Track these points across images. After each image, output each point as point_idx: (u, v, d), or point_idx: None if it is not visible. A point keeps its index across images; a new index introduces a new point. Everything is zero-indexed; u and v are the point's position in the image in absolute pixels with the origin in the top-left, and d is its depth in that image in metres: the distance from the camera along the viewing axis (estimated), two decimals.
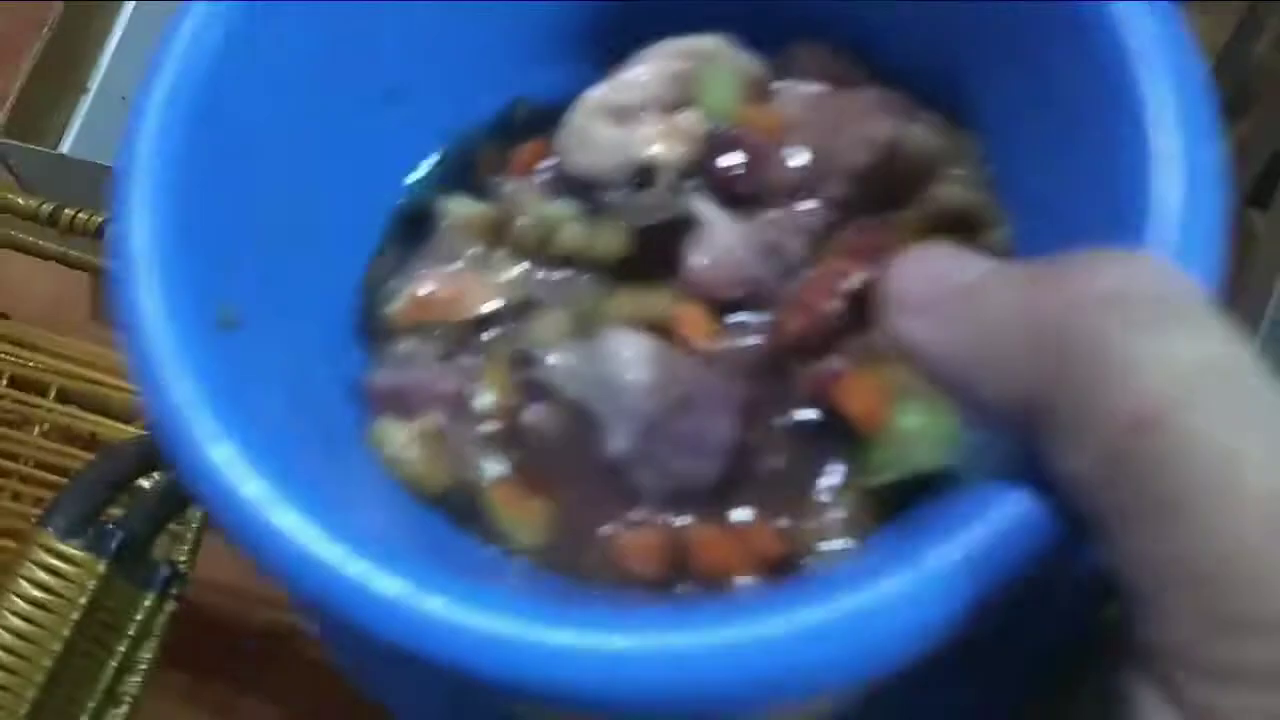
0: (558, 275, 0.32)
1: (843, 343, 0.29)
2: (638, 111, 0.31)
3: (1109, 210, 0.24)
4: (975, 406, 0.20)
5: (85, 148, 1.01)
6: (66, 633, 0.57)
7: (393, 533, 0.25)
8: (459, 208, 0.32)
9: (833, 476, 0.28)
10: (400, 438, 0.28)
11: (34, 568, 0.56)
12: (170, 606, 0.65)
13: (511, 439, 0.28)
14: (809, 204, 0.30)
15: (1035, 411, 0.19)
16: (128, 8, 1.01)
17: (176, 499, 0.63)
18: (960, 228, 0.30)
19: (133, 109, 0.25)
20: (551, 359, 0.29)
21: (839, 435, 0.29)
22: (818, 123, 0.30)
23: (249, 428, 0.22)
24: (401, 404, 0.28)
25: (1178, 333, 0.17)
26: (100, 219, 0.72)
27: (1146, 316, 0.17)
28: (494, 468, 0.28)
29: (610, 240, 0.31)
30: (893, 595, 0.19)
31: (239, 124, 0.27)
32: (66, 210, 0.72)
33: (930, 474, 0.27)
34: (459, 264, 0.32)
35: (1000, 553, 0.20)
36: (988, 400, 0.20)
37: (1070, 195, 0.27)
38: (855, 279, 0.29)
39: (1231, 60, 1.08)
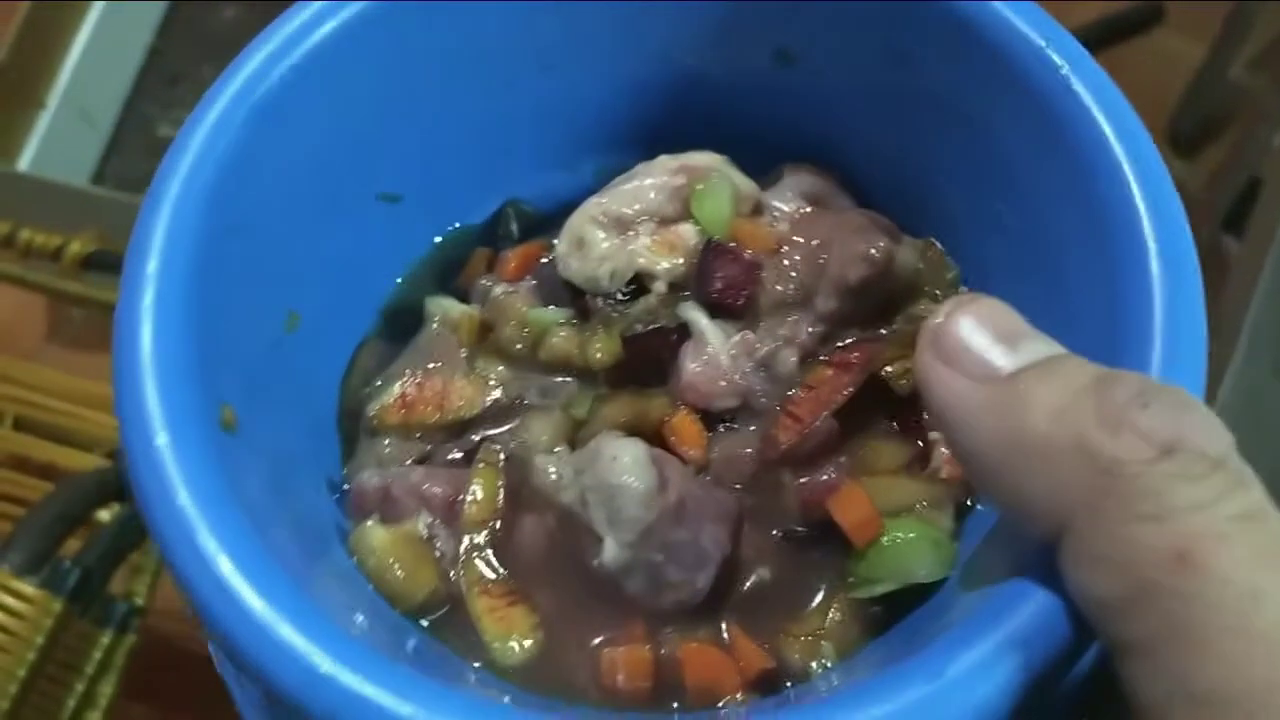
0: (544, 380, 0.32)
1: (833, 455, 0.29)
2: (634, 222, 0.32)
3: (1103, 335, 0.25)
4: (994, 498, 0.21)
5: (43, 165, 0.97)
6: (23, 673, 0.54)
7: (382, 641, 0.24)
8: (448, 309, 0.32)
9: (820, 589, 0.28)
10: (384, 543, 0.27)
11: None
12: (129, 641, 0.62)
13: (498, 547, 0.28)
14: (799, 317, 0.31)
15: (1064, 529, 0.19)
16: (87, 24, 1.00)
17: (136, 532, 0.60)
18: None
19: (145, 207, 0.25)
20: (543, 464, 0.29)
21: (827, 547, 0.29)
22: (809, 239, 0.31)
23: (250, 535, 0.21)
24: (389, 507, 0.28)
25: (1220, 485, 0.18)
26: (59, 241, 0.69)
27: (1196, 470, 0.18)
28: (479, 577, 0.27)
29: (601, 347, 0.31)
30: (916, 704, 0.19)
31: (244, 221, 0.27)
32: (24, 231, 0.69)
33: (916, 589, 0.27)
34: (445, 365, 0.31)
35: (1023, 655, 0.20)
36: (1013, 502, 0.20)
37: (1050, 320, 0.28)
38: (845, 394, 0.29)
39: (1207, 83, 1.05)
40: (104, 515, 0.62)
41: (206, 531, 0.21)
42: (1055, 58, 0.27)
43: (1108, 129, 0.27)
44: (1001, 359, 0.21)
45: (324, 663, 0.20)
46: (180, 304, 0.24)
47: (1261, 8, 0.97)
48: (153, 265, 0.24)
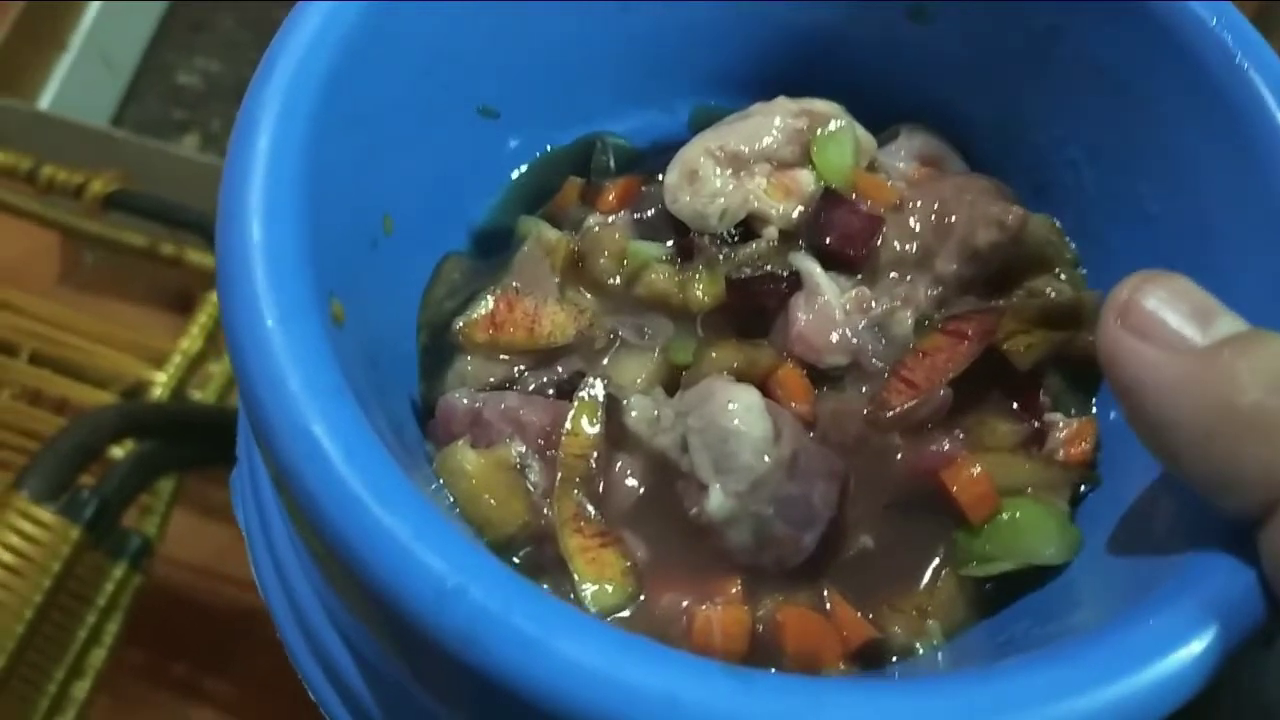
0: (637, 318, 0.30)
1: (946, 426, 0.28)
2: (750, 162, 0.30)
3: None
4: (1192, 471, 0.19)
5: (62, 107, 0.97)
6: (39, 599, 0.53)
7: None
8: (543, 231, 0.30)
9: (927, 562, 0.27)
10: (477, 467, 0.25)
11: (6, 531, 0.53)
12: (137, 580, 0.60)
13: (593, 486, 0.26)
14: (916, 278, 0.29)
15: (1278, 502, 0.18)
16: None
17: (149, 469, 0.60)
18: (1063, 322, 0.29)
19: (256, 79, 0.23)
20: (640, 404, 0.27)
21: (935, 519, 0.27)
22: (932, 199, 0.29)
23: (364, 430, 0.19)
24: (480, 430, 0.26)
25: None
26: (80, 178, 0.68)
27: None
28: (573, 514, 0.25)
29: (703, 288, 0.29)
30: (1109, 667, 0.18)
31: (356, 111, 0.24)
32: (46, 168, 0.68)
33: (1027, 571, 0.26)
34: (536, 288, 0.29)
35: (1216, 628, 0.19)
36: (1217, 474, 0.19)
37: None
38: (964, 363, 0.28)
39: None
40: (117, 452, 0.60)
41: (320, 420, 0.19)
42: (1228, 39, 0.26)
43: None
44: (1196, 333, 0.20)
45: (451, 575, 0.18)
46: (292, 186, 0.22)
47: None
48: (264, 141, 0.22)
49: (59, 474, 0.54)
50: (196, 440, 0.64)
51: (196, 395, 0.69)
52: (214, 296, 0.69)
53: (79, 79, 0.98)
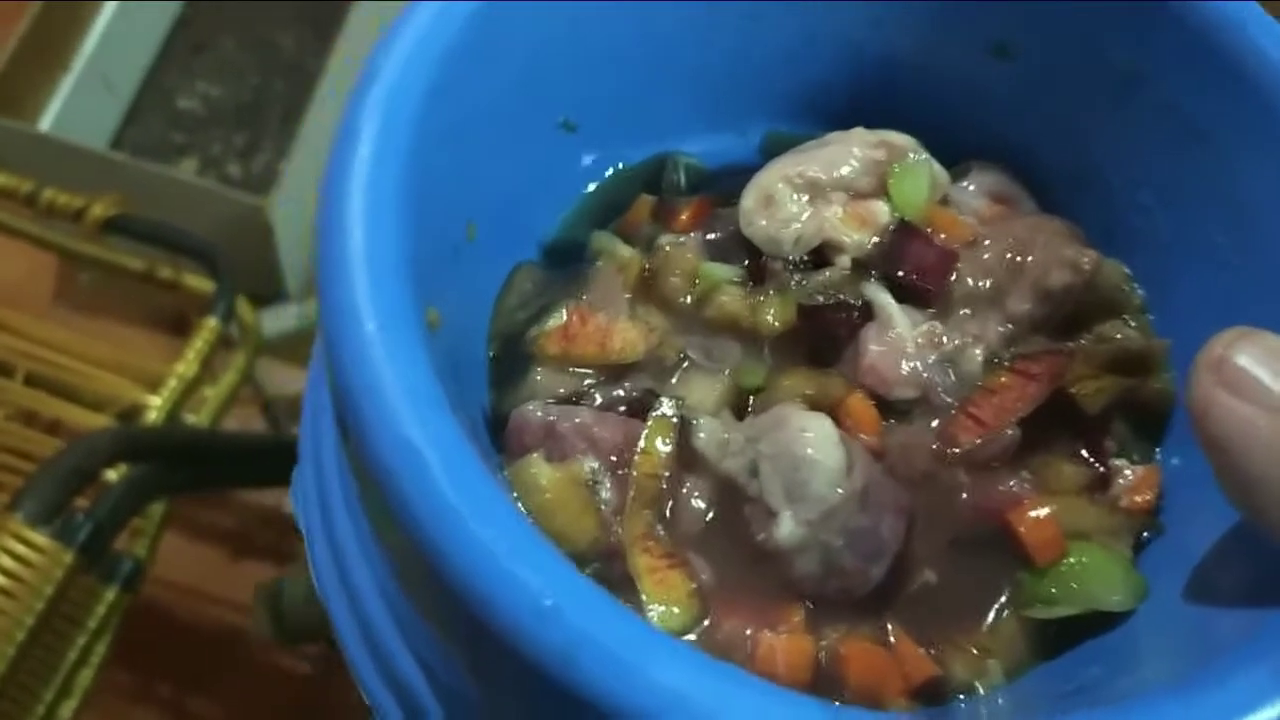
0: (706, 340, 0.30)
1: (1012, 466, 0.28)
2: (827, 190, 0.30)
3: None
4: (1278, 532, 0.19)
5: (62, 128, 0.97)
6: (30, 621, 0.52)
7: None
8: (616, 248, 0.30)
9: (990, 601, 0.27)
10: (551, 480, 0.25)
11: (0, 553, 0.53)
12: (126, 601, 0.60)
13: (662, 506, 0.26)
14: (988, 315, 0.29)
15: None
16: None
17: (143, 493, 0.59)
18: (1132, 369, 0.29)
19: (358, 88, 0.23)
20: (709, 427, 0.27)
21: (998, 559, 0.27)
22: (1006, 237, 0.29)
23: (460, 440, 0.19)
24: (553, 444, 0.26)
25: None
26: (81, 202, 0.68)
27: None
28: (642, 533, 0.25)
29: (774, 313, 0.29)
30: None
31: (449, 127, 0.24)
32: (47, 191, 0.68)
33: (1088, 616, 0.26)
34: (608, 304, 0.29)
35: None
36: None
37: None
38: (1032, 403, 0.28)
39: None
40: (111, 475, 0.60)
41: (419, 427, 0.19)
42: None
43: None
44: None
45: (548, 593, 0.18)
46: (393, 193, 0.22)
47: None
48: (366, 148, 0.22)
49: (53, 497, 0.53)
50: (190, 465, 0.63)
51: (191, 419, 0.68)
52: (210, 321, 0.68)
53: (80, 101, 0.97)
